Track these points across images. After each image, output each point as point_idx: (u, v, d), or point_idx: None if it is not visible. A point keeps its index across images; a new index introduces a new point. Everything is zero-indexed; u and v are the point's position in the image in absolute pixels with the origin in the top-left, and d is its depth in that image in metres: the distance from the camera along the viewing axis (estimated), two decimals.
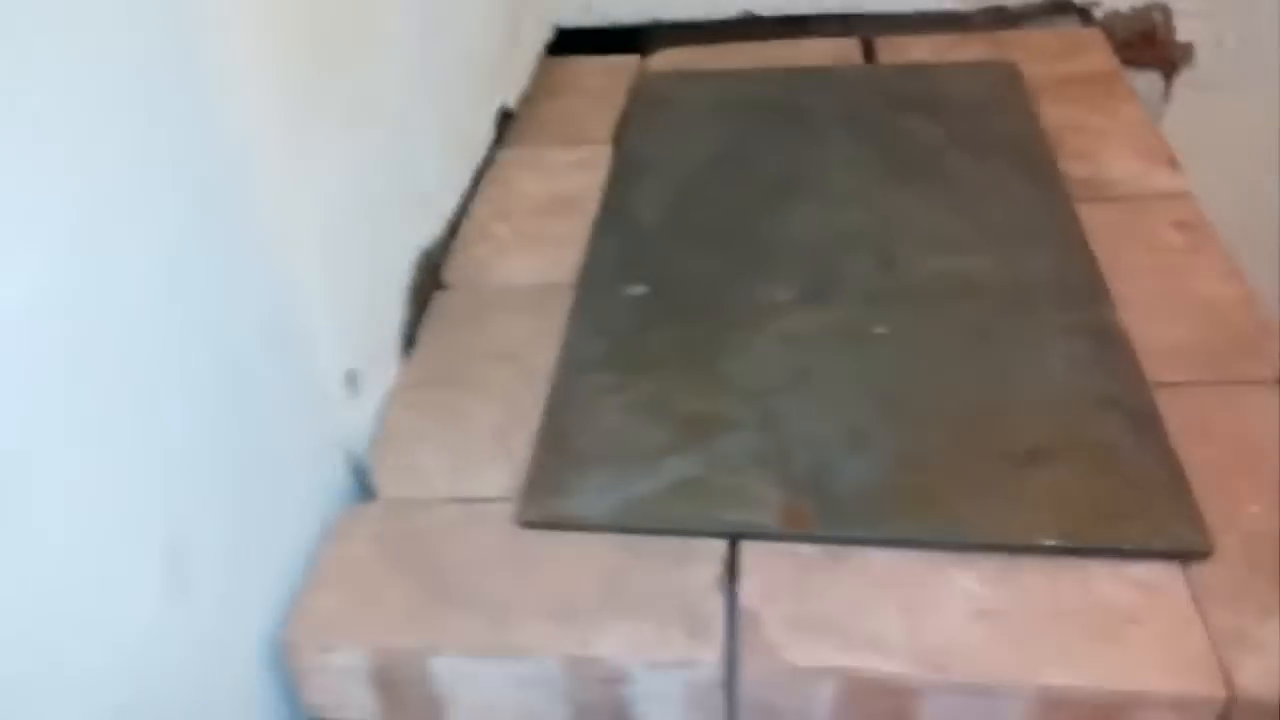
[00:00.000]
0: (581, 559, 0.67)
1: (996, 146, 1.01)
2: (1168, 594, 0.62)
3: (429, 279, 0.92)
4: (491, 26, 1.11)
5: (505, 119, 1.14)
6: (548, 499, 0.70)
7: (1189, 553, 0.63)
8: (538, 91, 1.21)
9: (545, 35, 1.29)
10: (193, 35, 0.57)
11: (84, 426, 0.49)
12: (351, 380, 0.77)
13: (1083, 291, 0.82)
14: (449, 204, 0.98)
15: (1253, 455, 0.69)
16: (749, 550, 0.66)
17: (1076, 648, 0.59)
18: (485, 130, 1.09)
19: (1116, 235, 0.88)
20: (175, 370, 0.56)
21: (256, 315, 0.65)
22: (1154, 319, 0.79)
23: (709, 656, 0.61)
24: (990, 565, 0.64)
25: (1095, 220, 0.90)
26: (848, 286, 0.86)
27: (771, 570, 0.65)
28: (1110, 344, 0.77)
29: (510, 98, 1.16)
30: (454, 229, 0.98)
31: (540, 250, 0.96)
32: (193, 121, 0.58)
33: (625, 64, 1.25)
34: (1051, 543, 0.64)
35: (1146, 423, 0.71)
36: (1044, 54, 1.16)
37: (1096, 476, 0.67)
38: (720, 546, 0.67)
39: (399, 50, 0.86)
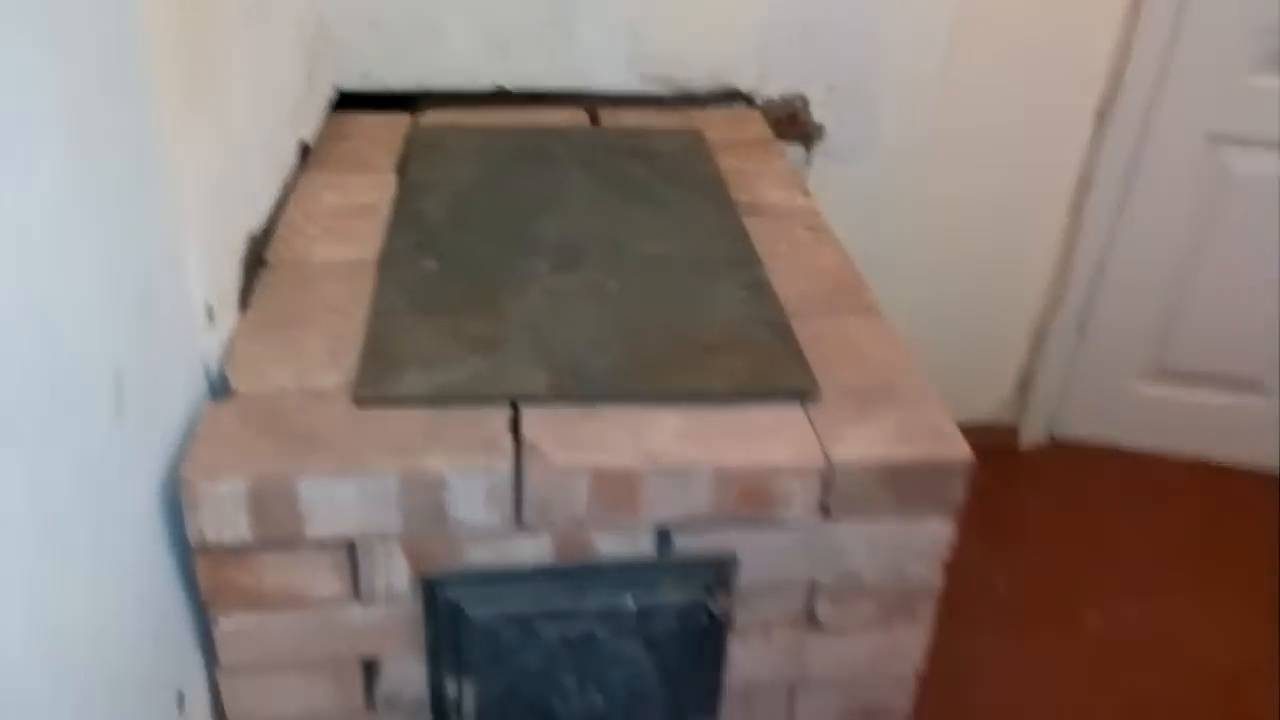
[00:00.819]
0: (406, 420, 0.93)
1: (688, 182, 1.39)
2: (793, 419, 0.97)
3: (255, 255, 1.15)
4: (296, 73, 1.37)
5: (305, 151, 1.39)
6: (377, 384, 0.96)
7: (806, 395, 0.99)
8: (327, 135, 1.47)
9: (329, 94, 1.56)
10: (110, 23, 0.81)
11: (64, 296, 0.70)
12: (209, 313, 0.98)
13: (745, 264, 1.19)
14: (268, 201, 1.22)
15: (847, 347, 1.07)
16: (527, 410, 0.95)
17: (738, 446, 0.92)
18: (291, 155, 1.34)
19: (769, 233, 1.27)
20: (114, 272, 0.78)
21: (159, 243, 0.87)
22: (791, 280, 1.17)
23: (502, 465, 0.88)
24: (687, 410, 0.96)
25: (754, 226, 1.29)
26: (588, 261, 1.18)
27: (543, 420, 0.94)
28: (762, 292, 1.14)
29: (308, 134, 1.41)
30: (270, 226, 1.22)
31: (346, 241, 1.21)
32: (110, 105, 0.81)
33: (400, 120, 1.54)
34: (724, 391, 0.97)
35: (784, 332, 1.07)
36: (720, 125, 1.58)
37: (752, 359, 1.02)
38: (506, 409, 0.95)
39: (242, 67, 1.10)
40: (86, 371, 0.73)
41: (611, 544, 0.94)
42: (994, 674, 1.81)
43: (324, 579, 0.91)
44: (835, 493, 0.93)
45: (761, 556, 0.97)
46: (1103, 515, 2.21)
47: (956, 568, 2.06)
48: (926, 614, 1.05)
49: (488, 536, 0.91)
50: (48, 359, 0.67)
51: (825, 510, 0.95)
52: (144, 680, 0.84)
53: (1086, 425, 2.40)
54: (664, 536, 0.95)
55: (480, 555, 0.92)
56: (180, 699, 0.91)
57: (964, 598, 2.00)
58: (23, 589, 0.64)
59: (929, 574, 1.01)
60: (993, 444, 2.41)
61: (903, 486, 0.94)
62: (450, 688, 0.98)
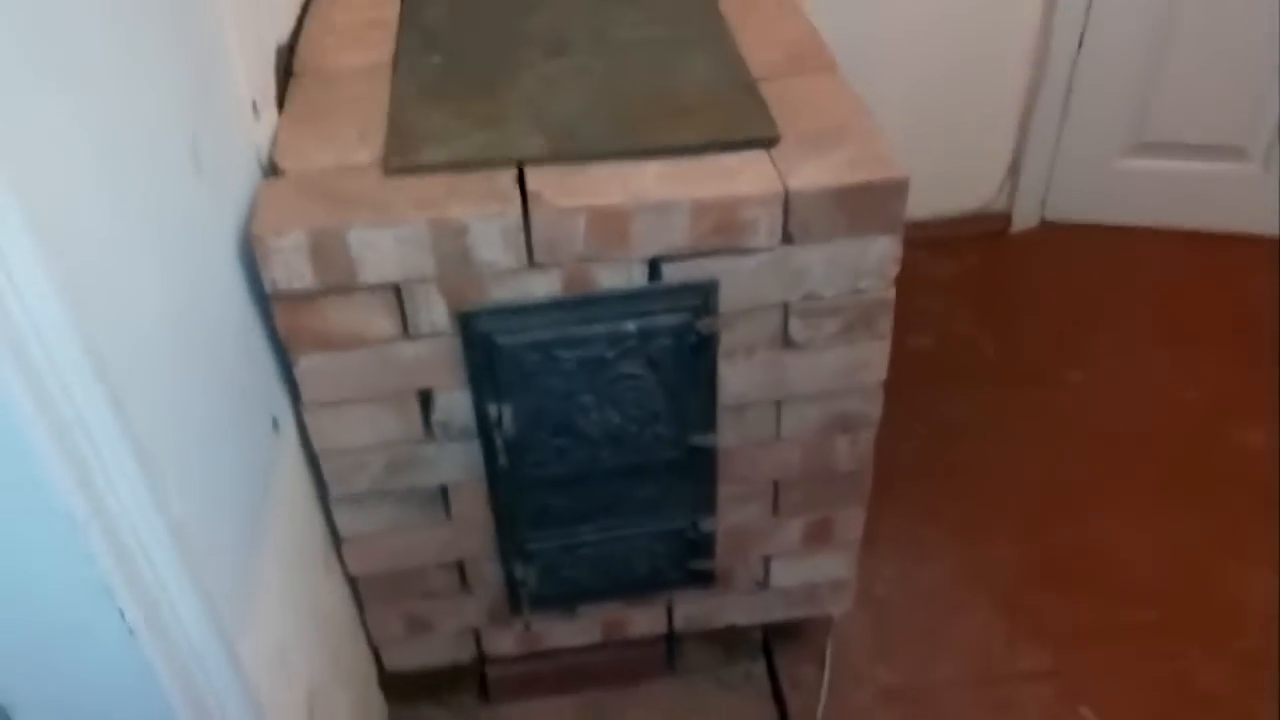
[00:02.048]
0: (430, 184, 1.10)
1: None
2: (758, 161, 1.13)
3: (284, 65, 1.30)
4: None
5: None
6: (403, 156, 1.13)
7: (769, 141, 1.14)
8: None
9: None
10: None
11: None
12: (255, 108, 1.15)
13: (717, 39, 1.33)
14: (290, 18, 1.37)
15: (807, 102, 1.22)
16: (530, 170, 1.12)
17: (711, 184, 1.09)
18: None
19: (740, 11, 1.40)
20: (177, 62, 0.94)
21: (208, 45, 1.03)
22: (759, 49, 1.31)
23: (512, 210, 1.06)
24: (666, 161, 1.13)
25: (728, 6, 1.41)
26: (575, 49, 1.32)
27: (544, 176, 1.11)
28: (732, 62, 1.28)
29: None
30: (294, 40, 1.37)
31: (362, 49, 1.36)
32: None
33: None
34: (699, 143, 1.13)
35: (750, 92, 1.22)
36: None
37: (722, 116, 1.18)
38: (513, 169, 1.12)
39: None
40: (170, 132, 0.91)
41: (610, 276, 1.12)
42: (981, 432, 2.01)
43: (378, 319, 1.11)
44: (795, 218, 1.10)
45: (738, 281, 1.15)
46: (1089, 287, 2.37)
47: (948, 337, 2.28)
48: (885, 327, 1.22)
49: (507, 275, 1.10)
50: (142, 118, 0.85)
51: (788, 236, 1.12)
52: (246, 400, 1.06)
53: (1075, 205, 2.53)
54: (654, 267, 1.13)
55: (503, 292, 1.11)
56: (275, 423, 1.12)
57: (955, 365, 2.22)
58: (152, 284, 0.84)
59: (882, 288, 1.18)
60: (985, 231, 2.58)
61: (851, 208, 1.10)
62: (491, 411, 1.19)
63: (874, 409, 1.32)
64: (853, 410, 1.30)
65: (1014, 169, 2.49)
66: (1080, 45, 2.29)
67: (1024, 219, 2.55)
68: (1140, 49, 2.27)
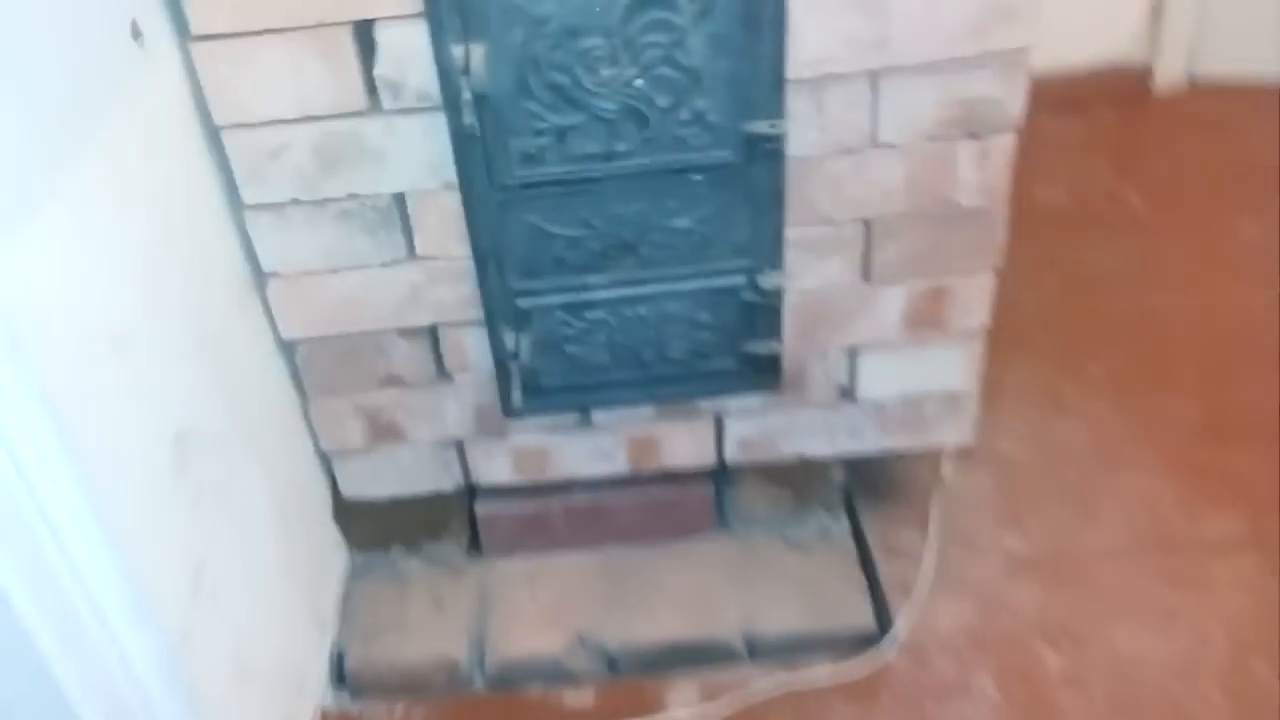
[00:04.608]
0: None
1: None
2: None
3: None
4: None
5: None
6: None
7: None
8: None
9: None
10: None
11: None
12: None
13: None
14: None
15: None
16: None
17: None
18: None
19: None
20: None
21: None
22: None
23: None
24: None
25: None
26: None
27: None
28: None
29: None
30: None
31: None
32: None
33: None
34: None
35: None
36: None
37: None
38: None
39: None
40: None
41: None
42: (1134, 281, 1.59)
43: None
44: None
45: None
46: (1247, 144, 1.92)
47: (1085, 190, 1.85)
48: None
49: None
50: None
51: None
52: None
53: (1229, 59, 2.07)
54: None
55: None
56: (135, 30, 0.78)
57: (1094, 216, 1.79)
58: None
59: None
60: (1123, 87, 2.14)
61: None
62: (456, 54, 0.82)
63: (1015, 102, 0.92)
64: (985, 97, 0.91)
65: (1157, 9, 2.06)
66: None
67: (1169, 75, 2.11)
68: None
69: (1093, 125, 2.04)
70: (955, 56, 0.88)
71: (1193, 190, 1.81)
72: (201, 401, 0.84)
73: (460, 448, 1.09)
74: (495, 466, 1.11)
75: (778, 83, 0.87)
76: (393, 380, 1.03)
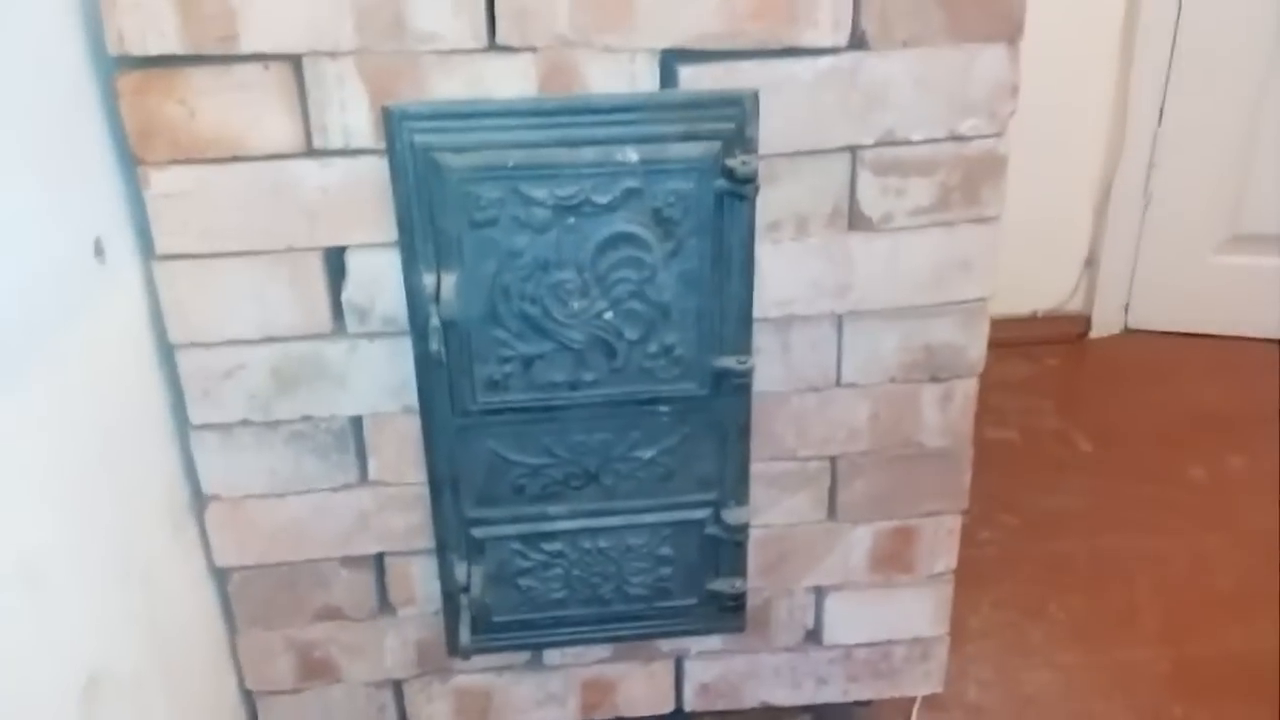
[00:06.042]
0: None
1: None
2: None
3: None
4: None
5: None
6: None
7: None
8: None
9: None
10: None
11: None
12: None
13: None
14: None
15: None
16: None
17: None
18: None
19: None
20: None
21: None
22: None
23: None
24: None
25: None
26: None
27: None
28: None
29: None
30: None
31: None
32: None
33: None
34: None
35: None
36: None
37: None
38: None
39: None
40: None
41: (605, 74, 0.79)
42: (1089, 526, 1.59)
43: (269, 115, 0.78)
44: (870, 2, 0.78)
45: (788, 101, 0.81)
46: (1184, 390, 1.99)
47: (1034, 431, 1.88)
48: (994, 204, 0.87)
49: (458, 58, 0.78)
50: None
51: (859, 35, 0.80)
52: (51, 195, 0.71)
53: (1160, 307, 2.19)
54: (668, 66, 0.80)
55: (450, 84, 0.78)
56: (98, 247, 0.76)
57: (1046, 456, 1.81)
58: None
59: (992, 132, 0.84)
60: (1063, 333, 2.23)
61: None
62: (426, 280, 0.82)
63: (975, 349, 0.94)
64: (946, 343, 0.92)
65: (1092, 262, 2.19)
66: (1161, 122, 2.04)
67: (1105, 323, 2.21)
68: (1228, 129, 2.00)
69: (1036, 367, 2.12)
70: (917, 304, 0.90)
71: (1136, 433, 1.85)
72: (119, 640, 0.77)
73: (398, 688, 1.01)
74: (434, 710, 1.02)
75: (746, 320, 0.88)
76: (330, 613, 0.96)
